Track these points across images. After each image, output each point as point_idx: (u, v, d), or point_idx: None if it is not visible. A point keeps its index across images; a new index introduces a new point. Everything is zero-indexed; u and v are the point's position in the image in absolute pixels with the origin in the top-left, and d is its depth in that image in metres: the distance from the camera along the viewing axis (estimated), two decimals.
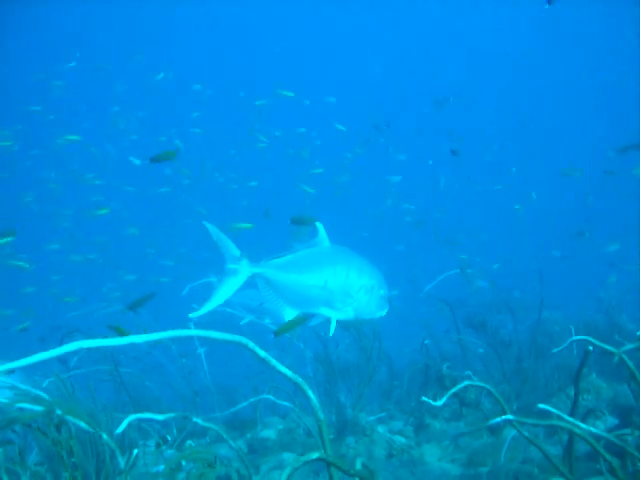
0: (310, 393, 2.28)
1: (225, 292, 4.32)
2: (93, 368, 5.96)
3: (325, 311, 4.64)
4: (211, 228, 4.28)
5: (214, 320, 7.71)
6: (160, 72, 16.48)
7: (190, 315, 4.26)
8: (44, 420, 2.40)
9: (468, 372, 5.10)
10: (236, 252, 4.33)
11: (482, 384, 3.03)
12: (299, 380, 2.29)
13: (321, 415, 2.30)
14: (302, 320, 4.33)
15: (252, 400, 4.69)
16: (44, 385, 5.66)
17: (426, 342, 6.43)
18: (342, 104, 17.19)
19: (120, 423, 3.52)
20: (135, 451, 2.75)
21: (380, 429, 5.39)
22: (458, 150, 9.40)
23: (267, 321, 7.94)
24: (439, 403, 2.79)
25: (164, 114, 19.83)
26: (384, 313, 4.84)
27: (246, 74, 29.45)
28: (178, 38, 32.89)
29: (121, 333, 3.55)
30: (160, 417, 3.28)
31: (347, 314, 4.66)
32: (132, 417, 3.02)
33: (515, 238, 18.29)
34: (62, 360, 6.86)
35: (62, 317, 6.73)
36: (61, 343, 5.72)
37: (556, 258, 14.02)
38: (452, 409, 5.85)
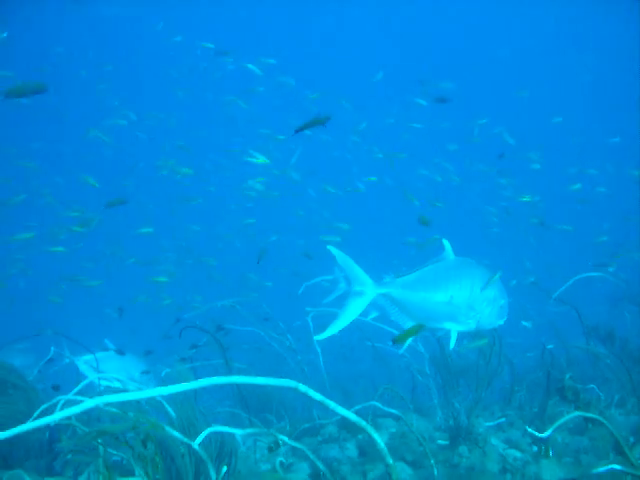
0: (376, 436, 2.17)
1: (350, 314, 4.37)
2: (206, 362, 6.08)
3: (448, 325, 4.74)
4: (336, 252, 4.36)
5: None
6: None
7: (315, 338, 4.38)
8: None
9: (592, 385, 4.77)
10: (362, 274, 4.39)
11: (595, 416, 2.78)
12: (363, 423, 2.18)
13: (390, 460, 2.17)
14: (419, 329, 4.34)
15: (359, 407, 4.59)
16: (162, 375, 5.97)
17: (549, 347, 6.11)
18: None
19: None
20: (224, 468, 2.75)
21: (494, 440, 5.15)
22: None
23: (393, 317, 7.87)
24: (545, 435, 2.59)
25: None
26: (502, 322, 4.94)
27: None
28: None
29: None
30: (239, 432, 3.27)
31: (469, 326, 4.77)
32: (209, 430, 3.01)
33: None
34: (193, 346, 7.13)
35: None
36: (180, 336, 5.92)
37: None
38: (577, 420, 5.50)
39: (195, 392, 6.33)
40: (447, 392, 6.02)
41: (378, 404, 4.58)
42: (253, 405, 7.24)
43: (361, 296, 4.39)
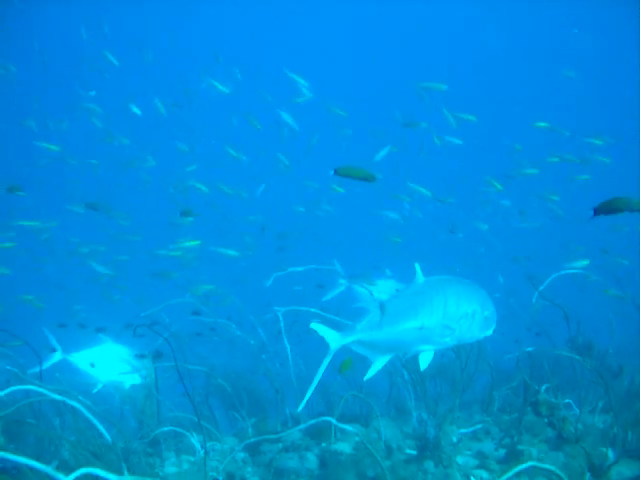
0: None
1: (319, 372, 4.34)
2: (167, 364, 5.77)
3: (423, 347, 4.61)
4: (317, 327, 4.39)
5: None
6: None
7: (298, 411, 4.49)
8: None
9: (568, 400, 4.42)
10: (325, 331, 4.39)
11: (551, 468, 2.44)
12: None
13: None
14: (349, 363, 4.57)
15: (313, 422, 4.27)
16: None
17: (528, 349, 5.80)
18: None
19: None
20: None
21: (462, 457, 4.81)
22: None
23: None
24: None
25: None
26: (489, 332, 4.74)
27: None
28: None
29: None
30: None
31: (446, 344, 4.62)
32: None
33: None
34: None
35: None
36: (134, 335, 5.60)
37: None
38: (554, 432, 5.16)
39: (157, 392, 6.06)
40: (419, 399, 5.69)
41: (333, 420, 4.24)
42: (223, 401, 6.94)
43: (324, 351, 4.38)
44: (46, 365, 6.10)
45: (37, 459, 4.78)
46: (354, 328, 4.44)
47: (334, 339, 4.37)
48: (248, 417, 6.40)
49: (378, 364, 4.51)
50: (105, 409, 6.50)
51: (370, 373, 4.49)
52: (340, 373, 4.18)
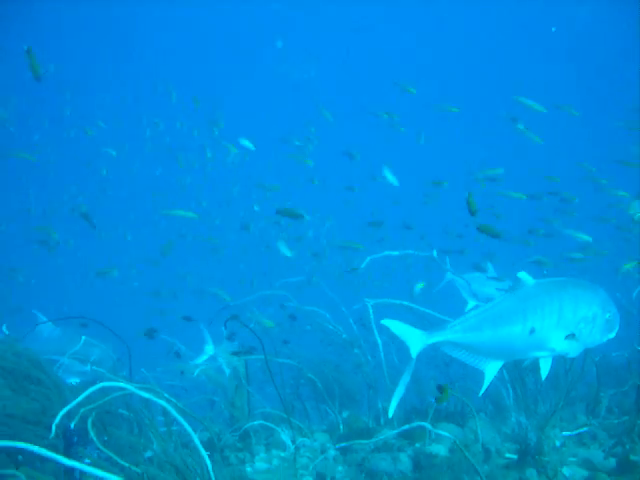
0: None
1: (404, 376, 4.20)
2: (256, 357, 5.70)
3: (540, 354, 4.36)
4: (389, 323, 4.24)
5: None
6: None
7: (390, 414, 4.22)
8: None
9: None
10: (408, 330, 4.18)
11: None
12: None
13: None
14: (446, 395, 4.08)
15: (407, 427, 4.04)
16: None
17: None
18: None
19: None
20: None
21: (566, 470, 4.46)
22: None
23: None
24: None
25: None
26: (612, 335, 4.48)
27: None
28: None
29: None
30: None
31: (567, 351, 4.35)
32: None
33: None
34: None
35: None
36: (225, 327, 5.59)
37: None
38: None
39: (248, 383, 5.98)
40: (518, 399, 5.37)
41: (428, 425, 4.02)
42: (314, 392, 6.82)
43: (408, 351, 4.18)
44: (202, 359, 6.68)
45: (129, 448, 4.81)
46: (444, 327, 4.18)
47: (416, 339, 4.13)
48: (339, 410, 6.26)
49: (489, 374, 4.28)
50: (198, 400, 6.63)
51: (484, 387, 4.30)
52: (437, 402, 3.94)
